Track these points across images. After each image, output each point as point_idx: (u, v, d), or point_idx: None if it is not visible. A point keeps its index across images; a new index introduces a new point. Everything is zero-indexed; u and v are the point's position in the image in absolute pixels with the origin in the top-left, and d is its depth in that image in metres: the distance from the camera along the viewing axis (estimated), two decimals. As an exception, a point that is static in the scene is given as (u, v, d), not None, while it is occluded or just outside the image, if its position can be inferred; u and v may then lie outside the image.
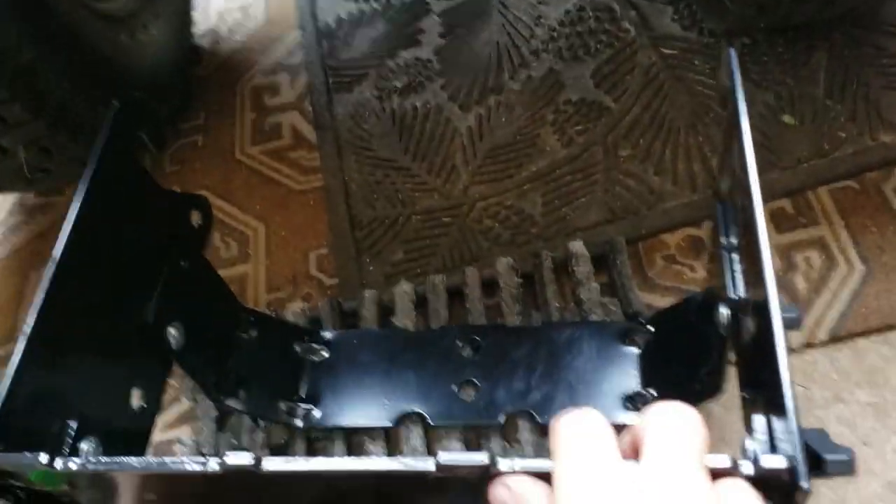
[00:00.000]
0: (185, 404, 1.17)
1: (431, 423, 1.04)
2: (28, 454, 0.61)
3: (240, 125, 1.53)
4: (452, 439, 1.04)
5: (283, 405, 1.05)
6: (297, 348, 1.10)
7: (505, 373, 1.05)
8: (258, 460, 0.55)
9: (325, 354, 1.10)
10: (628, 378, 1.01)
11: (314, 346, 1.11)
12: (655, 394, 0.98)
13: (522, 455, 1.00)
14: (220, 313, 1.02)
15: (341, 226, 1.30)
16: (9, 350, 1.30)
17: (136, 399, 0.83)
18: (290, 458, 0.55)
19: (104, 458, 0.60)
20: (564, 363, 1.04)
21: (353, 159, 1.39)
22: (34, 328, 0.69)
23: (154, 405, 0.86)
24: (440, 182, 1.32)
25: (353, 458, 0.56)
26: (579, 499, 0.42)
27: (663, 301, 1.12)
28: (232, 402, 0.99)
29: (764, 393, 0.59)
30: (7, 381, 0.66)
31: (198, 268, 0.96)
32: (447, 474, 0.51)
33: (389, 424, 1.05)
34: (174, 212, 0.93)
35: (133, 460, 0.59)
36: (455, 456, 0.51)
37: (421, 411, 1.05)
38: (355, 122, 1.45)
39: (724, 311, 0.77)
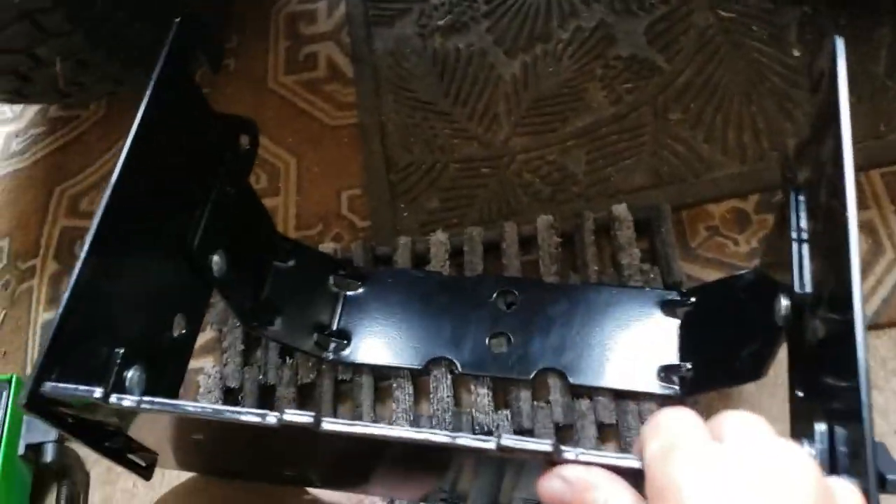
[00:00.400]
0: (208, 333, 1.16)
1: (460, 371, 1.03)
2: (82, 387, 0.60)
3: (273, 52, 1.48)
4: (481, 389, 1.03)
5: (315, 336, 1.05)
6: (332, 281, 1.09)
7: (539, 329, 1.04)
8: (318, 420, 0.54)
9: (360, 290, 1.09)
10: (665, 349, 1.00)
11: (349, 280, 1.10)
12: (690, 367, 0.97)
13: (550, 414, 1.00)
14: (260, 241, 1.00)
15: (376, 167, 1.27)
16: (32, 264, 1.28)
17: (178, 326, 0.82)
18: (349, 422, 0.54)
19: (160, 399, 0.59)
20: (601, 325, 1.03)
21: (391, 98, 1.35)
22: (88, 252, 0.67)
23: (194, 332, 0.85)
24: (481, 130, 1.29)
25: (414, 429, 0.54)
26: (688, 481, 0.40)
27: (703, 273, 1.10)
28: (266, 331, 0.98)
29: (828, 401, 0.57)
30: (61, 306, 0.64)
31: (243, 194, 0.94)
32: (506, 455, 0.50)
33: (418, 367, 1.04)
34: (224, 134, 0.91)
35: (188, 404, 0.58)
36: (518, 442, 0.49)
37: (451, 357, 1.04)
38: (395, 59, 1.40)
39: (784, 303, 0.75)
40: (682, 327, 1.01)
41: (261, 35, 1.51)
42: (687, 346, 0.99)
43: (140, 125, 0.74)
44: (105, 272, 0.70)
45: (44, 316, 1.23)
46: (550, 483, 0.47)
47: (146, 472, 0.77)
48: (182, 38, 0.81)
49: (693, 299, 1.01)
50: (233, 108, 1.40)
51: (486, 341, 1.05)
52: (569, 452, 0.48)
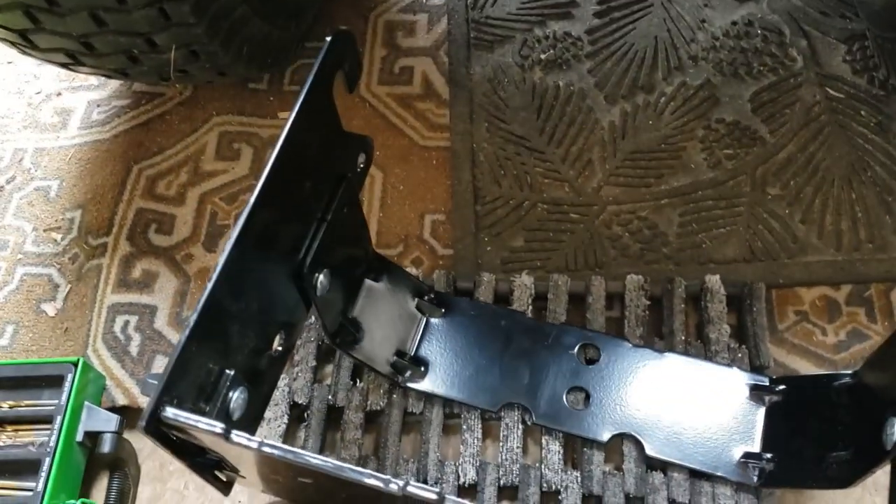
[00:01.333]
0: (276, 343, 1.14)
1: (534, 421, 1.02)
2: (206, 421, 0.59)
3: (368, 59, 1.46)
4: (553, 445, 1.02)
5: (393, 359, 1.03)
6: (416, 303, 1.08)
7: (619, 391, 1.03)
8: (441, 498, 0.54)
9: (442, 317, 1.08)
10: (747, 435, 0.98)
11: (432, 305, 1.08)
12: (771, 458, 0.95)
13: (621, 483, 0.98)
14: (358, 257, 0.99)
15: (464, 196, 1.25)
16: (103, 242, 1.26)
17: (277, 343, 0.81)
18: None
19: (281, 445, 0.59)
20: (684, 399, 1.02)
21: (484, 127, 1.34)
22: (221, 272, 0.66)
23: (289, 350, 0.84)
24: (573, 174, 1.27)
25: None
26: None
27: (788, 359, 1.08)
28: (350, 349, 0.96)
29: None
30: (187, 329, 0.63)
31: (353, 212, 0.92)
32: None
33: (493, 409, 1.03)
34: (349, 153, 0.89)
35: (311, 456, 0.58)
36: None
37: (527, 406, 1.03)
38: (492, 86, 1.39)
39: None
40: (768, 416, 0.99)
41: (358, 38, 1.47)
42: (770, 435, 0.98)
43: (284, 142, 0.73)
44: (230, 292, 0.69)
45: (111, 298, 1.21)
46: None
47: (226, 488, 0.76)
48: (332, 54, 0.79)
49: (782, 387, 0.99)
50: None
51: (564, 395, 1.03)
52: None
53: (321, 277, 0.85)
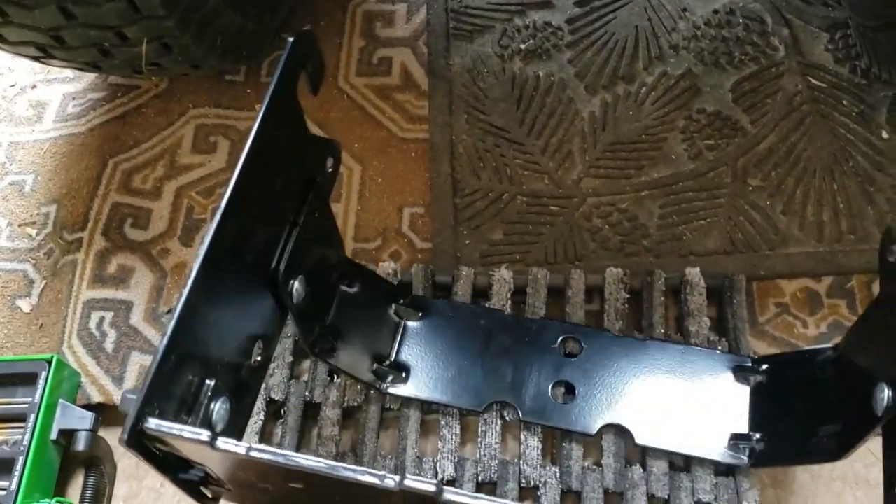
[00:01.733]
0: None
1: (521, 418, 1.01)
2: (190, 429, 0.57)
3: (346, 50, 1.45)
4: (531, 441, 1.01)
5: (374, 366, 1.02)
6: (393, 308, 1.06)
7: (604, 382, 1.02)
8: (440, 489, 0.53)
9: (420, 320, 1.07)
10: (735, 416, 0.98)
11: (409, 309, 1.07)
12: (760, 437, 0.95)
13: (601, 479, 0.98)
14: (332, 263, 0.97)
15: (443, 189, 1.24)
16: (78, 237, 1.25)
17: (256, 354, 0.80)
18: (472, 494, 0.52)
19: (270, 448, 0.57)
20: (669, 385, 1.01)
21: (464, 118, 1.32)
22: (196, 277, 0.65)
23: (267, 360, 0.83)
24: (553, 165, 1.26)
25: None
26: None
27: (769, 351, 1.08)
28: (328, 358, 0.95)
29: None
30: (166, 336, 0.62)
31: (323, 216, 0.91)
32: None
33: (478, 409, 1.02)
34: (317, 156, 0.87)
35: (301, 458, 0.57)
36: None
37: (513, 403, 1.02)
38: (472, 77, 1.37)
39: (888, 394, 0.73)
40: (753, 396, 0.98)
41: (335, 29, 1.47)
42: (758, 415, 0.97)
43: (252, 146, 0.71)
44: (206, 299, 0.68)
45: (86, 293, 1.19)
46: None
47: None
48: (295, 55, 0.78)
49: (765, 367, 0.99)
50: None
51: (549, 389, 1.02)
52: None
53: (296, 284, 0.84)
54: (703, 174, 1.22)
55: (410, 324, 1.07)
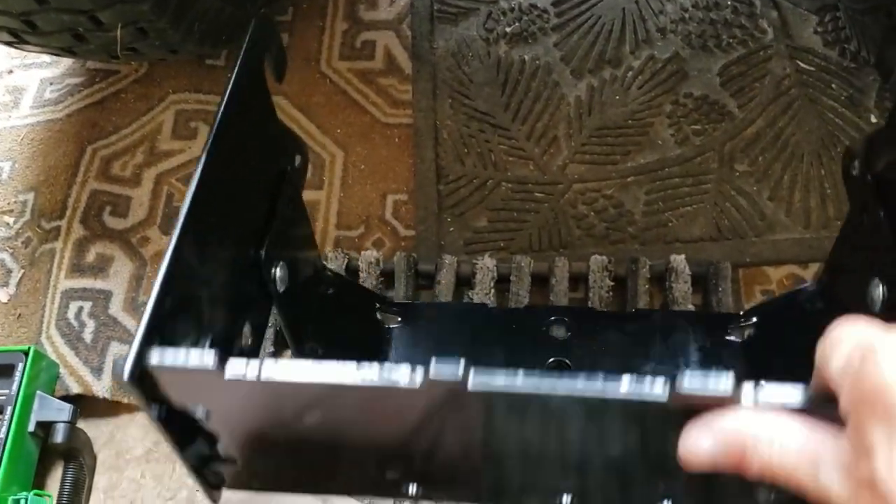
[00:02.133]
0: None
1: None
2: (196, 351, 0.51)
3: (329, 34, 1.42)
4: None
5: None
6: (374, 314, 1.05)
7: (598, 358, 1.01)
8: (466, 376, 0.51)
9: (403, 324, 1.05)
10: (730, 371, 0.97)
11: (390, 314, 1.05)
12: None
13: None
14: (309, 264, 0.96)
15: (427, 176, 1.23)
16: (56, 225, 1.23)
17: (245, 337, 0.78)
18: (502, 371, 0.51)
19: (282, 367, 0.51)
20: (660, 351, 1.00)
21: (448, 103, 1.30)
22: (183, 225, 0.62)
23: (257, 346, 0.81)
24: (538, 151, 1.24)
25: (569, 378, 0.52)
26: None
27: (754, 338, 1.07)
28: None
29: None
30: (162, 269, 0.58)
31: (298, 212, 0.89)
32: (678, 404, 0.47)
33: None
34: (287, 148, 0.86)
35: (324, 369, 0.53)
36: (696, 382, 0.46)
37: None
38: (456, 60, 1.35)
39: (882, 289, 0.72)
40: (746, 348, 0.97)
41: (317, 12, 1.45)
42: (753, 367, 0.96)
43: (220, 121, 0.69)
44: (195, 254, 0.66)
45: (64, 283, 1.18)
46: (698, 441, 0.44)
47: (215, 493, 0.72)
48: (257, 38, 0.76)
49: (754, 319, 0.97)
50: (281, 87, 1.35)
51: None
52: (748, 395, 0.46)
53: (279, 272, 0.83)
54: (690, 159, 1.21)
55: (394, 328, 1.05)
